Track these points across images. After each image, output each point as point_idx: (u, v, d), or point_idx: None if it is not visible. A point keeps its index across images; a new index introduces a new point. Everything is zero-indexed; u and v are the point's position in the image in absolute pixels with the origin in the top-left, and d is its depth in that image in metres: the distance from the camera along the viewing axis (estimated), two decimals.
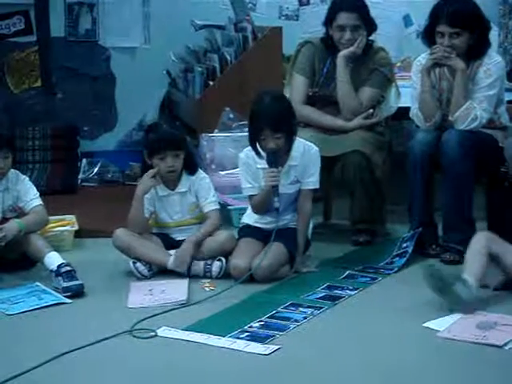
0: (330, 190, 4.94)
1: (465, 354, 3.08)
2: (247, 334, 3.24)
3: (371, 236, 4.54)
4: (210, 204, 4.10)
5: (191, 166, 4.14)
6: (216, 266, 3.97)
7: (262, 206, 4.02)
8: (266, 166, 3.94)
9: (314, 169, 4.05)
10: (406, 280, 3.95)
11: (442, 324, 3.31)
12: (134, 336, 3.25)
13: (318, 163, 4.06)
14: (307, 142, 4.08)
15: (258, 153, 3.98)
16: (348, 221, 4.68)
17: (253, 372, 2.93)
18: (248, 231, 4.10)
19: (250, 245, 3.99)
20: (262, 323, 3.36)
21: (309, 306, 3.55)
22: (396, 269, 4.07)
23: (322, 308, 3.54)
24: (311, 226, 4.17)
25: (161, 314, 3.48)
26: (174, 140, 4.07)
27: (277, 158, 3.93)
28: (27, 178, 4.12)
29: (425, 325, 3.32)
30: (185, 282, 3.85)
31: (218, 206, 4.14)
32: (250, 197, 4.06)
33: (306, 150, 4.04)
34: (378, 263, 4.14)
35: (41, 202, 4.06)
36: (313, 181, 4.04)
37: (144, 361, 3.04)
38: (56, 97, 6.36)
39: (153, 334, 3.25)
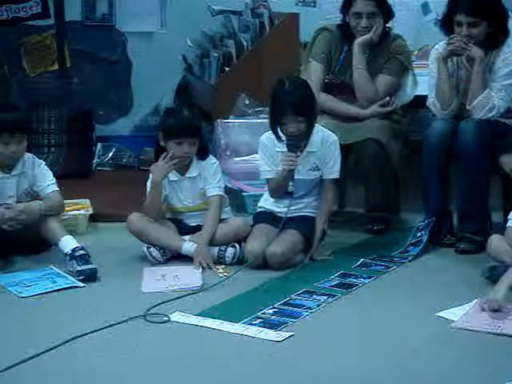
0: (345, 178, 4.91)
1: (479, 343, 3.07)
2: (260, 320, 3.24)
3: (386, 224, 4.53)
4: (213, 189, 4.08)
5: (203, 152, 4.13)
6: (230, 252, 3.97)
7: (279, 189, 4.02)
8: (285, 149, 3.95)
9: (334, 158, 4.05)
10: (420, 269, 3.94)
11: (456, 314, 3.30)
12: (147, 321, 3.25)
13: (338, 152, 4.07)
14: (327, 130, 4.09)
15: (278, 137, 3.99)
16: (363, 209, 4.66)
17: (265, 358, 2.93)
18: (263, 217, 4.10)
19: (264, 230, 3.99)
20: (276, 310, 3.36)
21: (322, 294, 3.54)
22: (410, 258, 4.06)
23: (335, 296, 3.53)
24: None
25: (175, 299, 3.48)
26: (194, 127, 4.07)
27: (296, 143, 3.94)
28: (43, 163, 4.12)
29: (438, 314, 3.31)
30: (199, 269, 3.86)
31: (221, 192, 4.10)
32: (268, 180, 4.06)
33: (324, 138, 4.04)
34: (392, 252, 4.13)
35: (57, 188, 4.06)
36: (334, 170, 4.06)
37: (156, 346, 3.04)
38: (72, 81, 6.37)
39: (166, 319, 3.25)
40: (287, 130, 3.93)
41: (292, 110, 3.89)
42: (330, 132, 4.09)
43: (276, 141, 4.01)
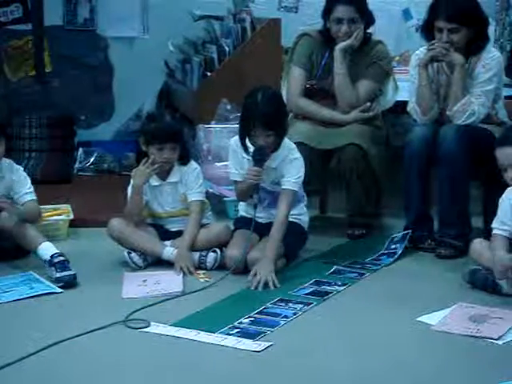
0: (326, 183, 4.93)
1: (459, 347, 3.08)
2: (237, 330, 3.20)
3: (367, 229, 4.53)
4: (195, 194, 4.08)
5: (184, 157, 4.13)
6: (211, 257, 3.97)
7: (244, 195, 4.03)
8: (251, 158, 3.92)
9: (292, 172, 3.91)
10: (399, 274, 3.94)
11: (435, 318, 3.31)
12: (128, 326, 3.24)
13: (297, 168, 3.93)
14: (293, 148, 3.99)
15: (245, 147, 3.96)
16: (344, 214, 4.67)
17: (246, 369, 2.90)
18: (244, 222, 4.08)
19: (245, 236, 3.97)
20: (252, 319, 3.31)
21: (298, 302, 3.51)
22: (383, 265, 4.05)
23: (311, 304, 3.50)
24: (307, 219, 4.15)
25: (154, 304, 3.47)
26: (175, 133, 4.07)
27: (262, 157, 3.88)
28: (21, 169, 4.08)
29: (419, 319, 3.32)
30: (179, 274, 3.85)
31: (201, 198, 4.11)
32: (235, 182, 4.06)
33: (286, 156, 3.95)
34: (365, 259, 4.12)
35: (34, 197, 4.02)
36: (286, 181, 3.91)
37: (136, 352, 3.03)
38: (53, 85, 6.35)
39: (146, 324, 3.24)
40: (255, 142, 3.89)
41: (262, 123, 3.83)
42: (296, 151, 3.98)
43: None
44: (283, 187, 3.93)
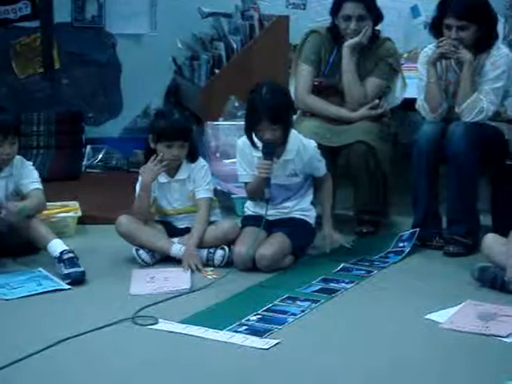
0: (334, 180, 4.91)
1: (467, 345, 3.07)
2: (245, 327, 3.20)
3: (375, 227, 4.53)
4: (203, 191, 4.08)
5: (192, 154, 4.13)
6: (219, 254, 3.97)
7: (255, 193, 4.03)
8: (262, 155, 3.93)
9: (318, 161, 4.07)
10: (408, 272, 3.93)
11: (444, 316, 3.30)
12: (136, 323, 3.24)
13: (318, 155, 4.07)
14: (305, 138, 4.06)
15: (253, 143, 3.97)
16: (352, 211, 4.66)
17: (254, 367, 2.90)
18: (251, 220, 4.09)
19: (253, 233, 3.97)
20: (259, 316, 3.31)
21: (305, 299, 3.51)
22: (390, 263, 4.05)
23: (318, 301, 3.49)
24: (315, 215, 4.16)
25: (162, 301, 3.47)
26: (184, 130, 4.07)
27: (272, 150, 3.90)
28: (31, 163, 4.10)
29: (427, 317, 3.31)
30: (187, 271, 3.85)
31: (209, 195, 4.11)
32: (245, 183, 4.07)
33: (302, 147, 4.01)
34: (373, 257, 4.12)
35: (40, 186, 4.03)
36: (320, 171, 4.10)
37: (144, 349, 3.03)
38: (61, 82, 6.36)
39: (154, 321, 3.24)
40: (263, 137, 3.90)
41: (268, 117, 3.85)
42: (308, 140, 4.07)
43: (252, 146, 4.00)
44: (320, 175, 4.11)
